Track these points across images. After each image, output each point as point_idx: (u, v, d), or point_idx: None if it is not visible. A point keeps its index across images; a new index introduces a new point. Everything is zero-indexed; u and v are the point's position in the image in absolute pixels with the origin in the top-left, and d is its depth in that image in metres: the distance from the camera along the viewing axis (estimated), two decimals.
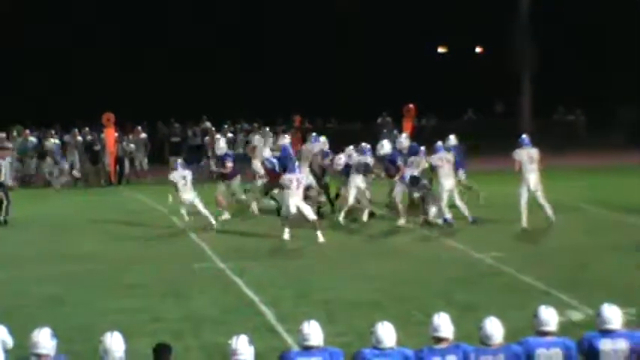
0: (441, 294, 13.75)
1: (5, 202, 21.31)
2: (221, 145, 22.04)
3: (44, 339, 8.29)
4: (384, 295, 13.83)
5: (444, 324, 8.36)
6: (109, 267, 16.23)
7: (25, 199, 24.58)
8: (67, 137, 31.38)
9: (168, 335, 11.20)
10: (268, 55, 42.86)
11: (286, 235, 18.37)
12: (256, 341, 8.23)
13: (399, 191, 20.24)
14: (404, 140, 21.71)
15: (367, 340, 8.48)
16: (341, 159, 21.11)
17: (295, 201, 18.46)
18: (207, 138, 32.06)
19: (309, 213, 18.67)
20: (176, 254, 17.41)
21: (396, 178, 20.29)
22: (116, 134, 30.33)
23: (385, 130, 31.27)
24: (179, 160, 21.81)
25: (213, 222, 19.83)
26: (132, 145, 30.70)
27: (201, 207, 19.81)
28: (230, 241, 18.60)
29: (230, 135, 31.02)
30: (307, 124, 36.25)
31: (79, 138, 30.90)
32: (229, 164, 21.50)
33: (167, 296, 13.96)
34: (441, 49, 48.15)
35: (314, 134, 23.50)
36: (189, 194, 19.60)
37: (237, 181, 21.56)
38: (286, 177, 18.87)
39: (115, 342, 8.21)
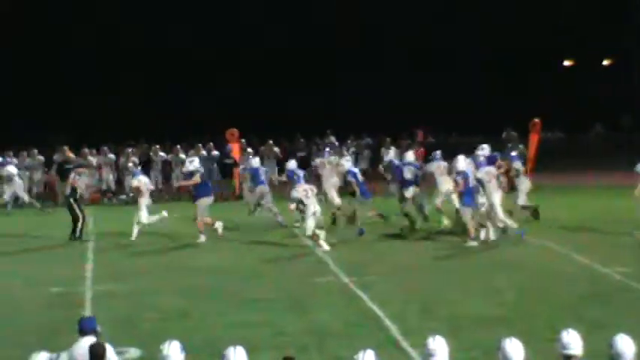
0: (569, 309, 13.44)
1: (81, 220, 21.34)
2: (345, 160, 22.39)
3: (174, 352, 8.33)
4: (509, 310, 13.60)
5: (573, 341, 8.12)
6: (231, 280, 16.32)
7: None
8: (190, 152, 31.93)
9: (292, 349, 11.19)
10: (390, 70, 42.86)
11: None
12: (381, 356, 8.14)
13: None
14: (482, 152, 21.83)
15: (492, 355, 8.31)
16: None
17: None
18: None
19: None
20: (300, 268, 17.42)
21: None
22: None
23: (510, 145, 30.87)
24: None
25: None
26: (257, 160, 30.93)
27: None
28: (354, 256, 18.53)
29: (352, 150, 31.13)
30: (430, 138, 36.11)
31: (204, 152, 31.34)
32: (352, 180, 21.60)
33: (291, 310, 13.95)
34: (567, 63, 47.46)
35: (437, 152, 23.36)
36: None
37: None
38: (301, 188, 19.72)
39: (238, 356, 8.21)
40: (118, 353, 11.34)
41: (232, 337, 10.88)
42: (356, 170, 22.30)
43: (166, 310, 14.04)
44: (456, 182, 19.97)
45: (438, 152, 22.63)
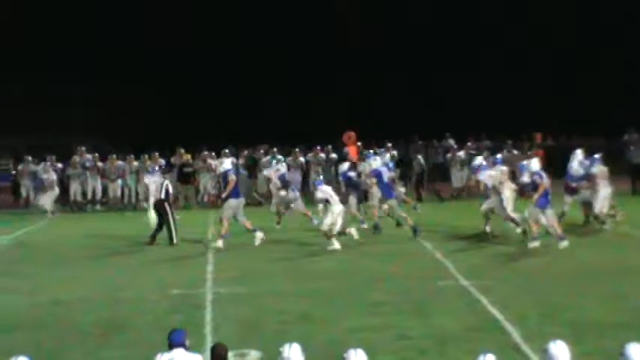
0: None
1: (173, 224, 21.61)
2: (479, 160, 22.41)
3: (295, 355, 8.41)
4: (632, 316, 13.30)
5: None
6: (352, 284, 16.32)
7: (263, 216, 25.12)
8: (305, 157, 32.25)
9: (413, 353, 11.18)
10: (509, 70, 42.27)
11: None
12: None
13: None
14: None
15: None
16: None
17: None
18: (448, 155, 32.01)
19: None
20: (419, 272, 17.33)
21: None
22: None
23: (632, 148, 30.31)
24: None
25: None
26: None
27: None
28: (472, 259, 18.41)
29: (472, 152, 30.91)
30: (549, 140, 35.57)
31: (322, 155, 31.60)
32: (374, 179, 21.93)
33: (411, 314, 13.89)
34: None
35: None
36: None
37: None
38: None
39: (358, 359, 8.26)
40: (239, 355, 11.57)
41: (353, 341, 10.94)
42: (383, 170, 22.23)
43: (287, 312, 14.11)
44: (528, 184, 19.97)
45: (499, 156, 22.91)
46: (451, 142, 33.56)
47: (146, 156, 31.05)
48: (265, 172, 26.43)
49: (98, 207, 30.59)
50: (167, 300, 15.22)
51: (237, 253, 20.05)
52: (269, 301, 14.99)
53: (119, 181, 30.71)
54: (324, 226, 20.12)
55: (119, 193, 30.91)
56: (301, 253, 20.05)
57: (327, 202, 20.55)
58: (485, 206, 21.23)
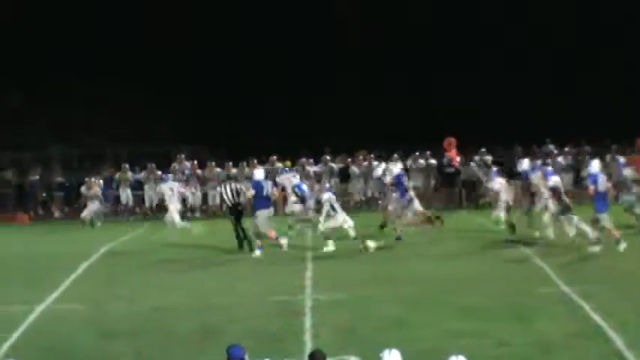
0: None
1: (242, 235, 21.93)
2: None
3: None
4: None
5: None
6: (448, 289, 16.19)
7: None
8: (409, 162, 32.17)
9: None
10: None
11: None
12: None
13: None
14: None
15: None
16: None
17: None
18: (549, 160, 31.60)
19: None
20: (516, 276, 17.13)
21: None
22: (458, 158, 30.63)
23: None
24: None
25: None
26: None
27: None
28: (572, 264, 18.12)
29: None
30: None
31: (421, 161, 31.53)
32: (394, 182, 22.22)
33: (511, 320, 13.69)
34: None
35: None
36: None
37: None
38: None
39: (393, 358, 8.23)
40: None
41: (451, 347, 10.84)
42: (402, 173, 22.66)
43: (385, 318, 14.04)
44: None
45: (539, 162, 23.32)
46: (551, 147, 33.12)
47: (245, 163, 31.37)
48: (278, 180, 26.69)
49: (197, 214, 30.98)
50: (266, 306, 15.26)
51: (335, 260, 20.09)
52: (367, 307, 14.94)
53: (218, 189, 31.09)
54: (321, 227, 20.79)
55: (218, 200, 31.28)
56: (395, 259, 20.02)
57: (332, 207, 21.02)
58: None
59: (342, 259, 20.06)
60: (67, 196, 34.31)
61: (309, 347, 12.20)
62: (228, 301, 15.84)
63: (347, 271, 18.61)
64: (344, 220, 21.04)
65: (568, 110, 39.08)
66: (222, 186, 23.39)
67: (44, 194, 34.33)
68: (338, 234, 21.23)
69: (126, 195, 32.25)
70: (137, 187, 32.55)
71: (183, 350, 12.71)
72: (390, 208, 22.66)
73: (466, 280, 16.98)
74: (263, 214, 21.37)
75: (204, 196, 31.90)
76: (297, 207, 23.38)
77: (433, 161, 31.28)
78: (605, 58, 41.44)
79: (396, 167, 23.35)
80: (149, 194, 32.08)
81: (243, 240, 21.92)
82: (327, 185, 23.19)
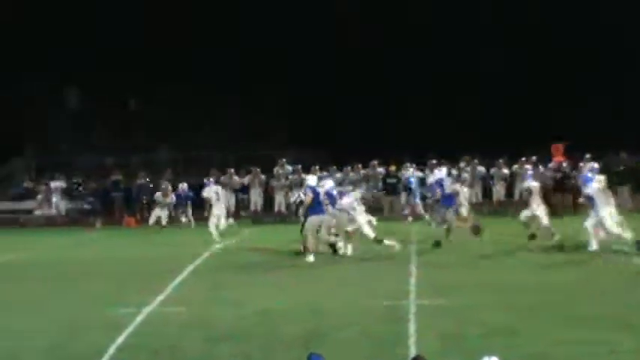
0: None
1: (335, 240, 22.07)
2: None
3: None
4: None
5: None
6: (553, 296, 15.91)
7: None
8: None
9: None
10: None
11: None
12: None
13: None
14: None
15: None
16: None
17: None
18: None
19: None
20: (621, 284, 16.81)
21: None
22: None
23: None
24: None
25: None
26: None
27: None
28: None
29: None
30: None
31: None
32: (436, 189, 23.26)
33: (622, 328, 13.35)
34: None
35: None
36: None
37: None
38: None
39: None
40: None
41: (561, 354, 10.67)
42: (443, 176, 23.39)
43: (489, 325, 13.86)
44: None
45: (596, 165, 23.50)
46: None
47: (349, 167, 31.41)
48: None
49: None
50: (371, 311, 15.19)
51: (440, 265, 19.96)
52: (471, 313, 14.76)
53: (300, 193, 31.06)
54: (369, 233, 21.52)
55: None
56: (499, 265, 19.84)
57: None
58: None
59: (446, 265, 19.92)
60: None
61: (412, 352, 12.11)
62: (332, 306, 15.80)
63: (451, 277, 18.45)
64: (364, 224, 21.57)
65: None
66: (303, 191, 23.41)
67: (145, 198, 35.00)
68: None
69: (233, 199, 32.63)
70: (242, 190, 32.94)
71: (288, 355, 12.70)
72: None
73: (570, 287, 16.72)
74: (314, 220, 21.60)
75: None
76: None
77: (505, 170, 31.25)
78: None
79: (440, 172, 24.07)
80: (254, 198, 32.39)
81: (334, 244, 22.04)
82: (347, 190, 23.51)
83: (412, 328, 13.78)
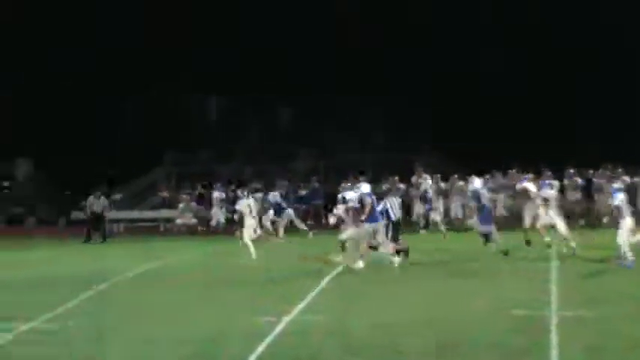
0: None
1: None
2: None
3: None
4: None
5: None
6: None
7: None
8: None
9: None
10: None
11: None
12: None
13: None
14: None
15: None
16: None
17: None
18: None
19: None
20: None
21: None
22: None
23: None
24: None
25: None
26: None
27: None
28: None
29: None
30: None
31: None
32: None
33: None
34: None
35: None
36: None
37: None
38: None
39: None
40: None
41: None
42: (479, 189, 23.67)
43: (635, 338, 13.60)
44: None
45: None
46: None
47: (487, 176, 31.23)
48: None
49: (443, 228, 31.03)
50: (507, 320, 15.01)
51: (581, 275, 19.64)
52: (615, 325, 14.47)
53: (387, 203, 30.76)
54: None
55: (460, 213, 31.22)
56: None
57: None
58: None
59: (587, 275, 19.59)
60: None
61: None
62: (464, 315, 15.70)
63: (593, 287, 18.14)
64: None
65: None
66: (389, 199, 23.47)
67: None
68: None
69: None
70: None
71: None
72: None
73: None
74: (368, 228, 21.87)
75: (447, 211, 31.92)
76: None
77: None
78: None
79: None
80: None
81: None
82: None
83: (554, 339, 13.58)
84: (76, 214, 43.04)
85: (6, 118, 49.94)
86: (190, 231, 37.49)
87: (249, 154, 49.74)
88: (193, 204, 38.89)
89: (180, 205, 38.54)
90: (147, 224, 40.66)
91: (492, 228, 23.31)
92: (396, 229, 22.98)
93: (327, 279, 20.27)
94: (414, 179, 33.40)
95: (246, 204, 25.50)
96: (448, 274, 20.84)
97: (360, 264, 21.67)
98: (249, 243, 24.93)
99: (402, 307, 16.84)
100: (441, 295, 18.04)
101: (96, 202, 36.32)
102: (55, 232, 40.77)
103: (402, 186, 32.49)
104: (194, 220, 38.27)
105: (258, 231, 25.96)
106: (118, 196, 43.35)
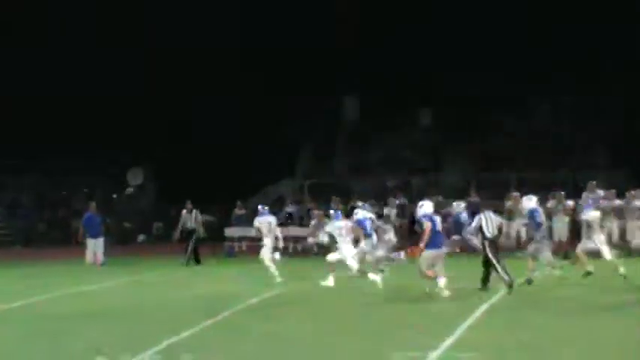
0: None
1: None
2: None
3: None
4: None
5: None
6: None
7: None
8: None
9: None
10: None
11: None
12: None
13: None
14: None
15: None
16: None
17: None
18: None
19: None
20: None
21: None
22: None
23: None
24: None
25: None
26: None
27: None
28: None
29: None
30: None
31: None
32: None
33: None
34: None
35: None
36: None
37: None
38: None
39: None
40: None
41: None
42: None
43: None
44: None
45: None
46: None
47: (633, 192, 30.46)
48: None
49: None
50: None
51: None
52: None
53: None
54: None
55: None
56: None
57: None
58: None
59: None
60: None
61: None
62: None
63: None
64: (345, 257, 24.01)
65: None
66: (485, 214, 23.41)
67: None
68: None
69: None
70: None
71: None
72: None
73: None
74: (430, 255, 22.10)
75: (623, 232, 31.21)
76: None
77: None
78: None
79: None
80: (557, 227, 31.72)
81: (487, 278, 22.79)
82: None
83: None
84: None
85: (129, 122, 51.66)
86: (324, 252, 37.38)
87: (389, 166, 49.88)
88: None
89: (312, 222, 38.55)
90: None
91: None
92: (494, 248, 22.97)
93: (481, 309, 19.96)
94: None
95: (268, 220, 25.81)
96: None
97: (445, 292, 22.09)
98: (270, 264, 25.72)
99: (561, 341, 16.38)
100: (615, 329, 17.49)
101: (188, 218, 36.29)
102: (168, 250, 41.36)
103: (570, 203, 31.81)
104: (326, 239, 38.16)
105: (277, 255, 26.17)
106: (242, 212, 43.74)
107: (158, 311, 21.62)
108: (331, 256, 24.53)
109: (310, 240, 38.58)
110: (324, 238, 30.66)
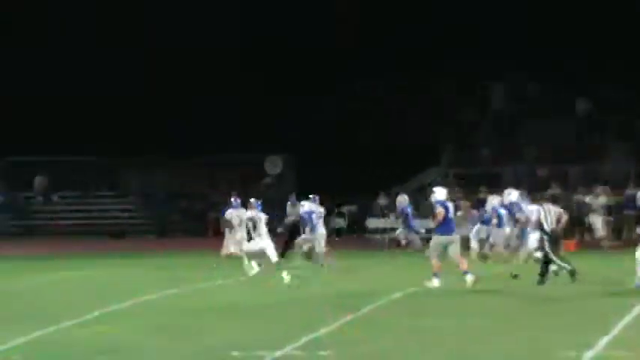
0: None
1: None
2: None
3: None
4: None
5: None
6: None
7: None
8: None
9: None
10: None
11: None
12: None
13: None
14: None
15: None
16: None
17: None
18: None
19: None
20: None
21: None
22: None
23: None
24: None
25: None
26: None
27: None
28: None
29: None
30: None
31: None
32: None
33: None
34: None
35: None
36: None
37: None
38: None
39: None
40: None
41: None
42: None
43: None
44: None
45: None
46: None
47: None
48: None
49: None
50: None
51: None
52: None
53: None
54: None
55: None
56: None
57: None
58: None
59: None
60: None
61: None
62: None
63: None
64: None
65: None
66: (545, 206, 23.75)
67: None
68: None
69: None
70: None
71: None
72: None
73: None
74: (441, 240, 23.06)
75: None
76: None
77: None
78: None
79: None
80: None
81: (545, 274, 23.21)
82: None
83: None
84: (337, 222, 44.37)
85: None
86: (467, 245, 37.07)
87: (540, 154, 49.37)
88: (474, 211, 38.31)
89: (458, 213, 38.24)
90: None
91: None
92: (553, 242, 23.28)
93: (637, 307, 19.73)
94: None
95: (237, 214, 26.06)
96: None
97: (434, 282, 23.30)
98: (243, 255, 26.47)
99: None
100: None
101: (292, 210, 34.37)
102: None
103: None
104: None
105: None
106: (383, 201, 43.83)
107: (293, 307, 21.76)
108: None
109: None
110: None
